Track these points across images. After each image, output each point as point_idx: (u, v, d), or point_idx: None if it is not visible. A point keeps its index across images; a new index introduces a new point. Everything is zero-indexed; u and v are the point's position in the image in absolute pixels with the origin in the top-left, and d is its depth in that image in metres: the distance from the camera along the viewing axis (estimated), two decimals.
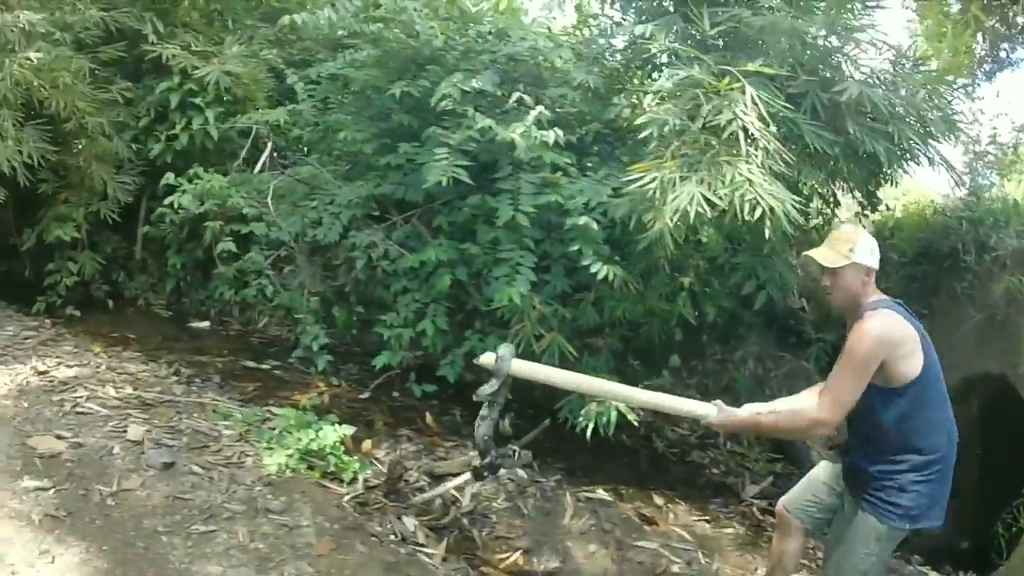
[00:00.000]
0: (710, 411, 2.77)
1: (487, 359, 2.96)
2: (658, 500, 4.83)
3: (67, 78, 5.43)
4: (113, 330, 5.71)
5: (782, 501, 3.11)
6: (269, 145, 5.69)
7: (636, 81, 5.62)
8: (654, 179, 3.81)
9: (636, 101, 5.16)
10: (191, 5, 6.94)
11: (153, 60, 6.11)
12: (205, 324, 5.94)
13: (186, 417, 4.22)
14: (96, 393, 4.21)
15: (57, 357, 4.70)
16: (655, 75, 5.25)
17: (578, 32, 6.31)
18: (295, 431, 3.90)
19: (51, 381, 4.22)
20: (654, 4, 5.46)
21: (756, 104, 3.91)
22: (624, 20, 5.76)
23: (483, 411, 2.93)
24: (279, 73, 6.53)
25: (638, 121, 4.01)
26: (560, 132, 4.01)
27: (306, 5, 8.37)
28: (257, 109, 6.13)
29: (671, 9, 5.03)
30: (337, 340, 4.99)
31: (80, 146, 5.59)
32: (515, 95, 4.31)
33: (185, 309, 6.20)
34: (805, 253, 2.88)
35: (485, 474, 3.23)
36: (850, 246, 2.62)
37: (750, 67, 4.09)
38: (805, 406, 2.74)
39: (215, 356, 5.36)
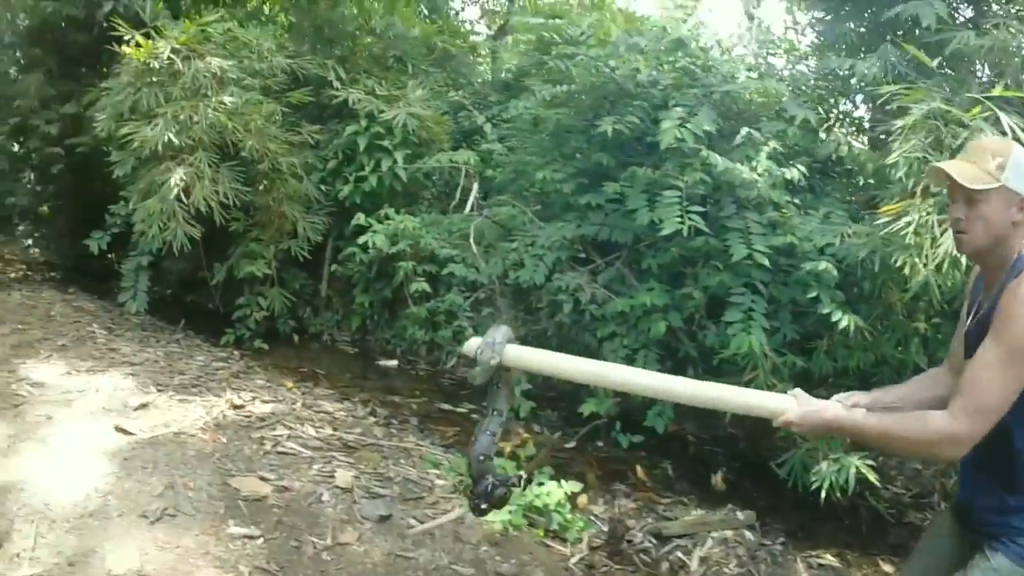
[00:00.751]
0: (786, 404, 1.90)
1: (471, 346, 2.16)
2: (886, 567, 4.38)
3: (259, 121, 5.66)
4: (300, 365, 5.82)
5: None
6: (475, 187, 5.69)
7: (837, 113, 5.30)
8: (908, 222, 3.48)
9: (850, 134, 4.85)
10: (369, 52, 7.20)
11: (337, 105, 6.33)
12: (393, 363, 5.97)
13: (393, 463, 4.12)
14: (296, 432, 4.18)
15: (251, 391, 4.75)
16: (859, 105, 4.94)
17: (762, 60, 6.07)
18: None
19: (248, 416, 4.24)
20: (858, 32, 5.15)
21: (1013, 131, 3.52)
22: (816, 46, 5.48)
23: (482, 423, 2.23)
24: (456, 114, 6.62)
25: (890, 159, 3.68)
26: (802, 168, 3.74)
27: (476, 50, 8.63)
28: (441, 151, 6.19)
29: (877, 36, 4.70)
30: (536, 385, 4.86)
31: (272, 186, 5.80)
32: (743, 131, 4.07)
33: (370, 346, 6.26)
34: (933, 164, 1.93)
35: (483, 506, 2.22)
36: (999, 160, 1.75)
37: (996, 92, 3.71)
38: (932, 402, 1.88)
39: (407, 397, 5.34)
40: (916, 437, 1.76)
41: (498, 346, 2.09)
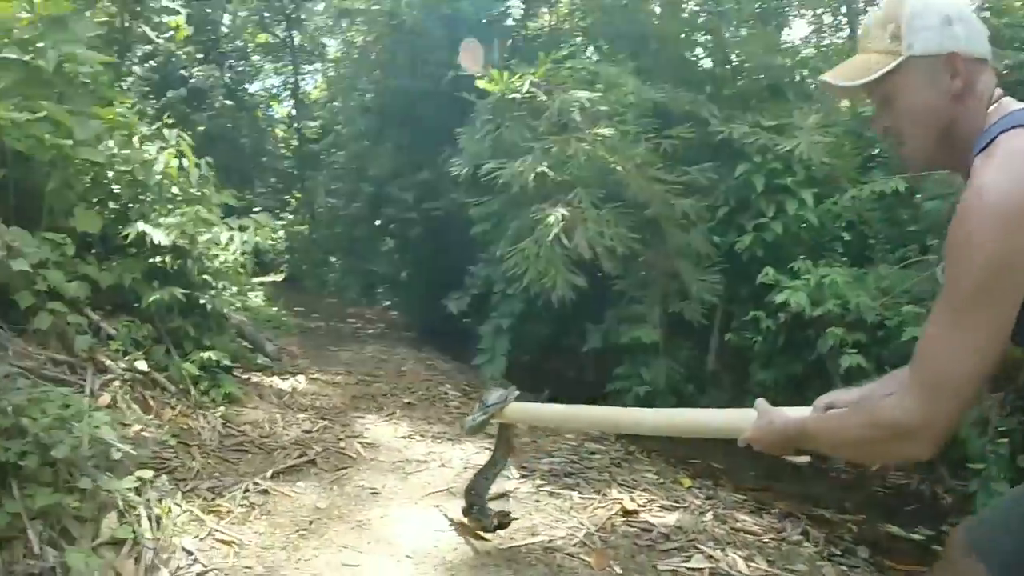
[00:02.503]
0: (748, 420, 1.57)
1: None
2: None
3: (639, 157, 4.90)
4: (690, 453, 4.78)
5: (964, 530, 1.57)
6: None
7: None
8: None
9: None
10: (739, 87, 6.26)
11: (717, 144, 5.37)
12: (804, 459, 4.64)
13: None
14: (719, 564, 2.98)
15: (642, 489, 3.78)
16: None
17: None
18: None
19: (645, 530, 3.17)
20: None
21: None
22: None
23: (485, 468, 2.86)
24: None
25: None
26: None
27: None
28: (847, 188, 4.90)
29: None
30: None
31: (661, 236, 4.97)
32: None
33: None
34: (820, 79, 1.44)
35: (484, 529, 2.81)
36: (891, 27, 1.24)
37: None
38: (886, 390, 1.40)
39: (837, 511, 4.01)
40: (861, 435, 1.29)
41: (489, 407, 2.65)
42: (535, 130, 5.00)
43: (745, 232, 4.90)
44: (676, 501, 3.60)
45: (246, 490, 3.01)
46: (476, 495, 2.79)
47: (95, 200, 4.36)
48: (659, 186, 4.90)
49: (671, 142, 5.20)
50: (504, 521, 2.80)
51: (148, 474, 2.82)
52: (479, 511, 2.76)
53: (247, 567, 2.49)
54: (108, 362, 3.82)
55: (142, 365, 3.81)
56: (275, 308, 8.06)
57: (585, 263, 4.66)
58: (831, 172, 5.04)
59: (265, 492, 3.04)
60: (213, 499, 2.90)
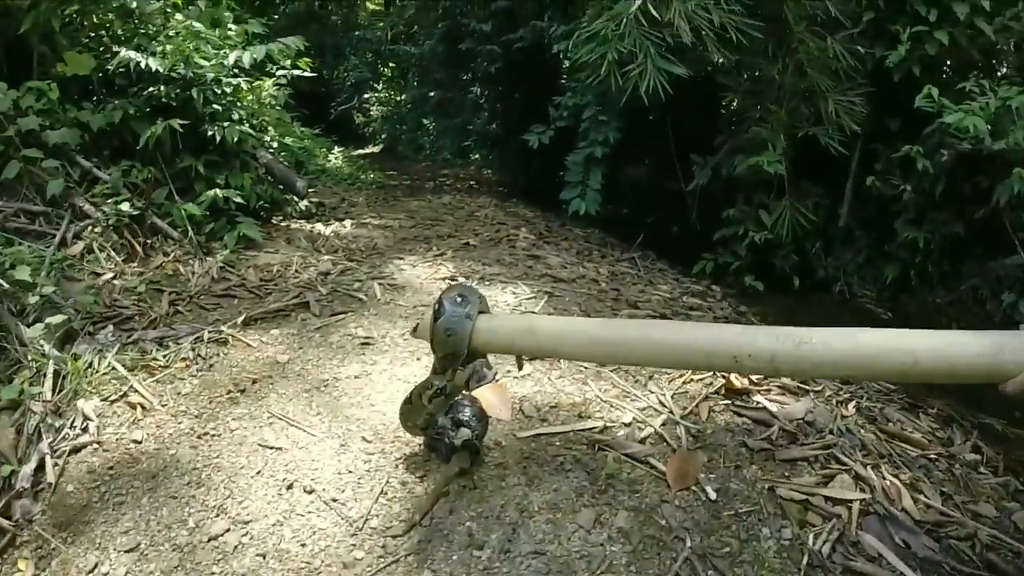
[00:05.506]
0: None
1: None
2: None
3: None
4: (813, 319, 3.68)
5: None
6: None
7: None
8: None
9: None
10: None
11: None
12: None
13: None
14: (870, 488, 1.89)
15: None
16: None
17: None
18: None
19: (758, 418, 2.10)
20: None
21: None
22: None
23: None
24: None
25: None
26: None
27: None
28: None
29: None
30: None
31: (788, 42, 3.72)
32: None
33: (910, 312, 3.89)
34: None
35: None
36: None
37: None
38: None
39: (1008, 423, 2.82)
40: None
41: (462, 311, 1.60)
42: None
43: (899, 42, 3.54)
44: (803, 381, 2.46)
45: (198, 339, 2.33)
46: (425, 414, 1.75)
47: (85, 41, 3.89)
48: None
49: None
50: (463, 466, 1.73)
51: (57, 319, 2.21)
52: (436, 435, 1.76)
53: (136, 441, 1.82)
54: (89, 208, 3.26)
55: (126, 207, 3.22)
56: (353, 168, 7.52)
57: (686, 51, 3.45)
58: None
59: (223, 342, 2.36)
60: (155, 351, 2.25)
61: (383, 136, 11.75)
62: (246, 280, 3.06)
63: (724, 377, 2.25)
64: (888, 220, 3.95)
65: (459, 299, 1.58)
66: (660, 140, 4.45)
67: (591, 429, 1.92)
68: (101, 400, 1.98)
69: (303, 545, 1.51)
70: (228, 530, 1.56)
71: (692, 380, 2.27)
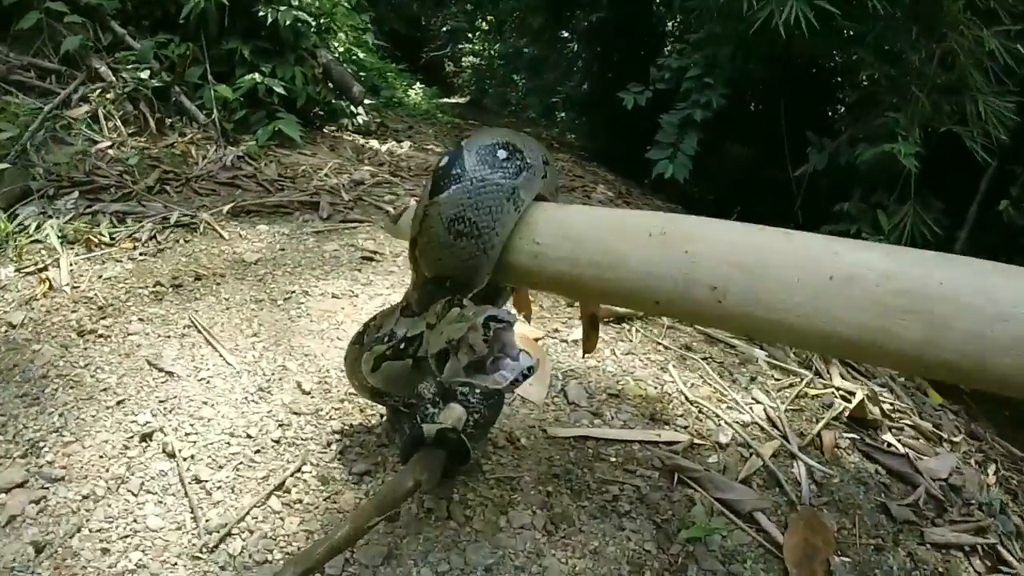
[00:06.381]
0: None
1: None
2: None
3: None
4: None
5: None
6: None
7: None
8: None
9: None
10: None
11: None
12: None
13: None
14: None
15: (883, 384, 2.18)
16: None
17: None
18: None
19: (894, 467, 1.54)
20: None
21: None
22: None
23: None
24: None
25: None
26: None
27: None
28: None
29: None
30: None
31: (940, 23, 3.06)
32: None
33: None
34: None
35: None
36: None
37: None
38: None
39: None
40: None
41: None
42: None
43: None
44: (937, 426, 1.92)
45: (164, 221, 1.89)
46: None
47: None
48: None
49: None
50: (421, 478, 1.11)
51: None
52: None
53: (11, 324, 1.38)
54: (106, 71, 2.88)
55: (146, 76, 2.82)
56: (431, 106, 7.09)
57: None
58: None
59: (192, 228, 1.91)
60: (104, 226, 1.82)
61: (471, 88, 11.41)
62: (260, 172, 2.62)
63: (848, 399, 1.68)
64: (1010, 254, 3.25)
65: (500, 152, 0.80)
66: (768, 118, 3.82)
67: (669, 444, 1.34)
68: (15, 270, 1.56)
69: (104, 552, 0.99)
70: (23, 483, 1.07)
71: (806, 394, 1.69)
